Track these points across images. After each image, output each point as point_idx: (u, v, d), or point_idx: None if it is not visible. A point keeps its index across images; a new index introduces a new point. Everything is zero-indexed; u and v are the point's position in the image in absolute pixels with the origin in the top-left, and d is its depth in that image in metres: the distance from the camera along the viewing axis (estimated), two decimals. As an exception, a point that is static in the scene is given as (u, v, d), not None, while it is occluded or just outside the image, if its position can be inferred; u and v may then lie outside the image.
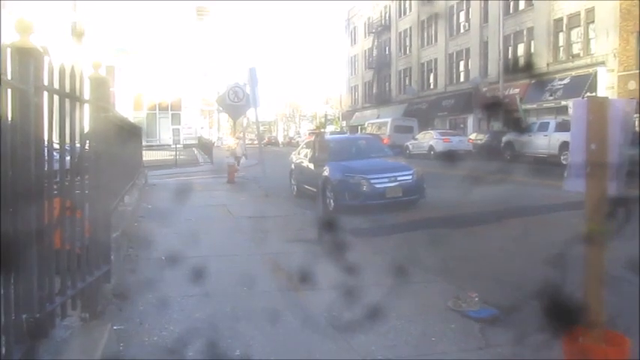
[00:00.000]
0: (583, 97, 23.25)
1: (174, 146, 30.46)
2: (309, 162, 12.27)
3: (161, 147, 35.61)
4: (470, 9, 37.25)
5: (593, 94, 25.53)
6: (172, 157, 26.80)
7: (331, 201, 10.71)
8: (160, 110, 48.50)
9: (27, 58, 2.92)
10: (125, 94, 40.46)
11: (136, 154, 12.78)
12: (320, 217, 8.62)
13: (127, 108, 37.76)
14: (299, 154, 13.87)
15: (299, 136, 64.89)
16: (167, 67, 44.78)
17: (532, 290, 3.58)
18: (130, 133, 9.56)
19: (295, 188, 13.30)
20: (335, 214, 10.14)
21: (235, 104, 16.66)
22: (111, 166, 4.93)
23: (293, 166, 13.76)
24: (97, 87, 4.23)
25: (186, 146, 37.25)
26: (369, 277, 5.12)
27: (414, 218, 9.49)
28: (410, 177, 10.69)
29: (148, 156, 21.04)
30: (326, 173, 10.79)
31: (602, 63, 26.02)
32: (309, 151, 12.94)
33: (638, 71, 24.29)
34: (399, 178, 10.56)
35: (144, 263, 6.08)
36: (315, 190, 11.43)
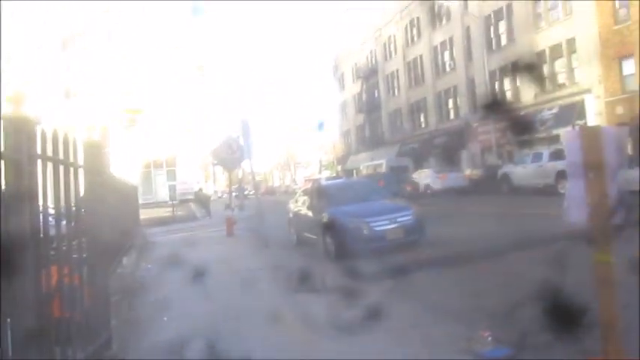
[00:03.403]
0: (574, 126, 23.51)
1: (170, 202, 30.43)
2: (308, 209, 12.23)
3: (158, 204, 35.57)
4: (454, 48, 38.13)
5: (583, 121, 25.84)
6: (170, 213, 26.74)
7: (332, 247, 10.60)
8: (154, 167, 48.64)
9: (20, 128, 2.93)
10: (119, 154, 40.69)
11: (133, 213, 12.74)
12: (322, 265, 8.51)
13: (122, 167, 37.91)
14: (297, 202, 13.83)
15: (295, 184, 65.07)
16: (161, 124, 45.18)
17: (544, 324, 3.48)
18: (125, 194, 9.56)
19: (295, 237, 13.20)
20: (337, 261, 10.01)
21: (230, 157, 16.77)
22: (108, 228, 4.89)
23: (291, 215, 13.69)
24: (91, 151, 4.24)
25: (182, 201, 37.23)
26: (378, 324, 4.99)
27: (417, 259, 9.37)
28: (410, 217, 10.62)
29: (145, 214, 20.97)
30: (325, 220, 10.73)
31: (588, 90, 26.45)
32: (306, 198, 12.91)
33: (623, 96, 24.70)
34: (398, 219, 10.48)
35: (146, 326, 5.94)
36: (315, 237, 11.35)
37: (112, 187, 6.16)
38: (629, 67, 24.75)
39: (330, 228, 10.65)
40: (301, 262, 10.05)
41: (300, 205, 13.23)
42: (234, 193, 34.24)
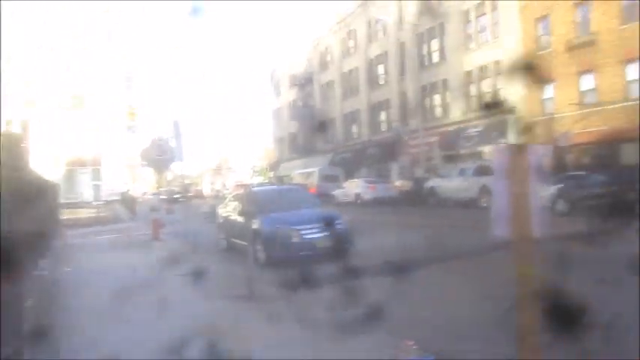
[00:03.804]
0: (498, 143, 24.65)
1: (95, 203, 29.23)
2: (238, 215, 12.06)
3: (81, 204, 33.99)
4: (387, 62, 39.07)
5: (505, 139, 27.18)
6: (94, 214, 25.64)
7: (262, 254, 10.50)
8: (78, 166, 46.46)
9: None
10: (41, 150, 38.62)
11: (53, 213, 12.10)
12: (251, 272, 8.39)
13: (42, 164, 36.00)
14: (226, 207, 13.61)
15: (226, 189, 64.16)
16: (87, 120, 43.34)
17: (469, 334, 3.58)
18: (45, 191, 9.05)
19: (225, 242, 12.97)
20: (266, 268, 9.93)
21: (159, 158, 16.31)
22: (24, 227, 4.59)
23: (221, 220, 13.45)
24: (9, 145, 3.98)
25: (108, 202, 35.78)
26: (304, 334, 4.97)
27: (345, 268, 9.42)
28: (339, 226, 10.71)
29: (67, 214, 19.99)
30: (255, 226, 10.62)
31: (512, 111, 27.85)
32: (237, 203, 12.73)
33: (542, 118, 26.37)
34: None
35: (62, 333, 5.61)
36: (245, 243, 11.19)
37: (31, 184, 5.81)
38: (548, 91, 26.73)
39: (260, 234, 10.56)
40: (229, 268, 9.87)
41: (230, 211, 13.03)
42: (162, 196, 33.31)
